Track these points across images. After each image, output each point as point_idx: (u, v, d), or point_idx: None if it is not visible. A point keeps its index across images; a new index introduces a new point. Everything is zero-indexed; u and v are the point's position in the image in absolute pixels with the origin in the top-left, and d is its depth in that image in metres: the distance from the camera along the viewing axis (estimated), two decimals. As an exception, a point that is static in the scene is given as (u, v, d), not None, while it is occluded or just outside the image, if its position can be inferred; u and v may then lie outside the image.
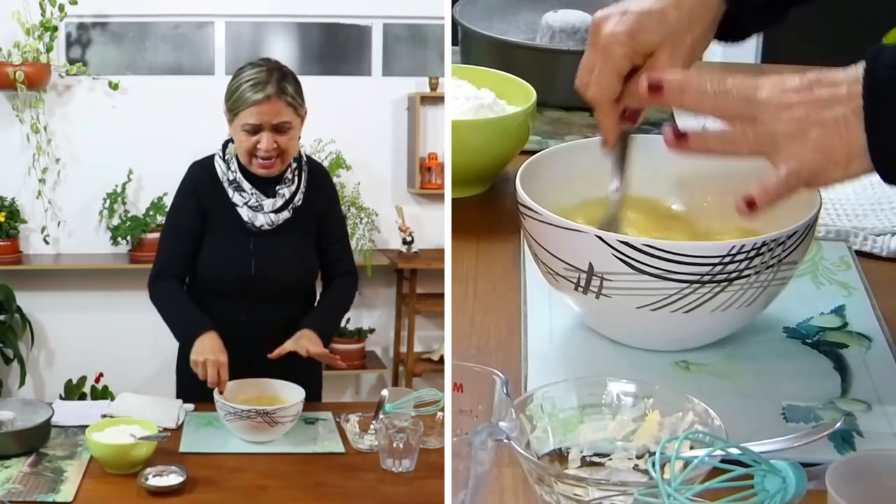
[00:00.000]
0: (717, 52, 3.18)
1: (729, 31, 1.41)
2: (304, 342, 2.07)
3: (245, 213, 2.13)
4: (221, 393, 1.94)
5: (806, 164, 1.17)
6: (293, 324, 2.16)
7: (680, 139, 1.25)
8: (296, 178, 2.16)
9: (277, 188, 2.14)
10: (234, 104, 2.08)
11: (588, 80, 1.38)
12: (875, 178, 1.81)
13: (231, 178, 2.13)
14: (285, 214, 2.14)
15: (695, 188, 1.47)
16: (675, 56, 1.35)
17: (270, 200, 2.13)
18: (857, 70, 1.15)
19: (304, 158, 2.19)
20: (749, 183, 1.43)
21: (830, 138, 1.15)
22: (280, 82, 2.07)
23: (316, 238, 2.20)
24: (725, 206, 1.45)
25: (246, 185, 2.13)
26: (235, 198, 2.13)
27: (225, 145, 2.16)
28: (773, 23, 1.46)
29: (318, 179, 2.20)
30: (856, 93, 1.14)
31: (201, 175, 2.16)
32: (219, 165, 2.15)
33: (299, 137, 2.16)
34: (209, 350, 1.99)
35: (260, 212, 2.13)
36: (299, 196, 2.15)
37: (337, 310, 2.27)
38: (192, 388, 2.10)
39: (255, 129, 2.07)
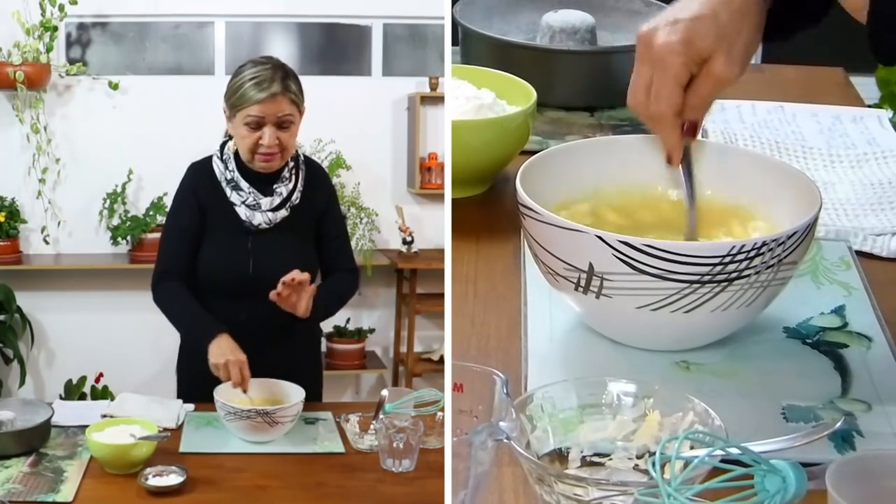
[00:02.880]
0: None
1: (774, 30, 1.39)
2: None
3: (243, 212, 2.13)
4: (245, 392, 1.94)
5: None
6: (292, 323, 2.16)
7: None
8: (293, 177, 2.16)
9: (275, 186, 2.14)
10: (236, 101, 2.08)
11: (643, 98, 1.35)
12: (876, 178, 1.81)
13: (229, 177, 2.13)
14: (283, 213, 2.14)
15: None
16: (731, 59, 1.32)
17: (268, 199, 2.13)
18: None
19: (302, 157, 2.19)
20: (747, 178, 1.44)
21: None
22: (284, 80, 2.07)
23: (315, 237, 2.20)
24: (726, 200, 1.45)
25: (244, 183, 2.13)
26: (233, 197, 2.13)
27: (223, 146, 2.16)
28: (817, 19, 1.43)
29: (316, 178, 2.20)
30: None
31: (199, 175, 2.16)
32: (216, 165, 2.15)
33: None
34: (228, 351, 2.00)
35: (258, 210, 2.13)
36: (297, 194, 2.15)
37: (331, 294, 2.20)
38: (192, 388, 2.10)
39: (258, 124, 2.07)
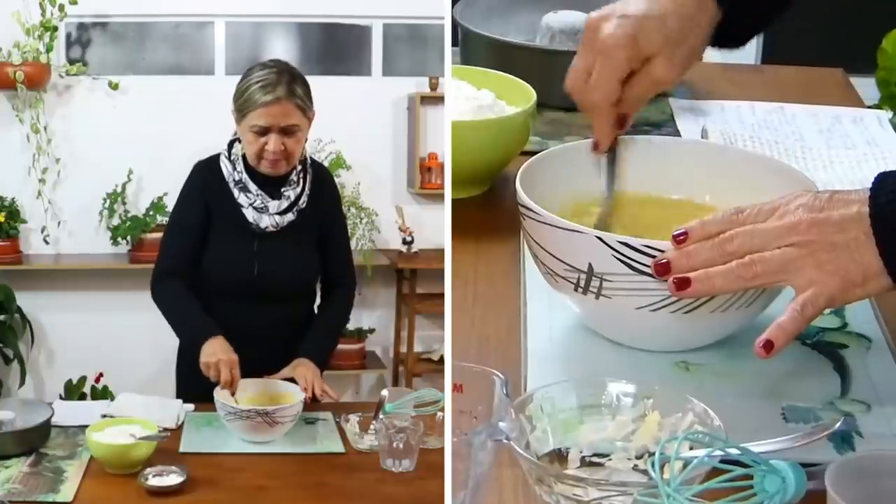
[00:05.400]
0: (716, 54, 3.18)
1: (724, 37, 1.42)
2: (302, 371, 2.07)
3: (250, 215, 2.13)
4: (233, 394, 1.94)
5: (824, 289, 1.15)
6: (294, 324, 2.16)
7: (681, 285, 1.20)
8: (301, 180, 2.16)
9: (283, 190, 2.14)
10: (242, 105, 2.08)
11: (581, 84, 1.38)
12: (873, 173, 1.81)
13: (237, 178, 2.13)
14: (290, 217, 2.14)
15: (693, 187, 1.47)
16: (672, 62, 1.35)
17: (276, 202, 2.13)
18: (867, 192, 1.16)
19: (309, 160, 2.19)
20: (747, 178, 1.44)
21: (844, 260, 1.14)
22: (290, 84, 2.07)
23: (318, 241, 2.20)
24: (723, 203, 1.45)
25: (252, 185, 2.13)
26: (241, 198, 2.13)
27: (230, 145, 2.16)
28: (768, 24, 1.47)
29: (323, 182, 2.21)
30: (865, 213, 1.14)
31: (206, 174, 2.16)
32: (224, 166, 2.15)
33: (305, 139, 2.16)
34: (220, 350, 2.00)
35: (265, 213, 2.13)
36: (304, 199, 2.15)
37: (334, 332, 2.29)
38: (192, 388, 2.10)
39: (264, 131, 2.07)
